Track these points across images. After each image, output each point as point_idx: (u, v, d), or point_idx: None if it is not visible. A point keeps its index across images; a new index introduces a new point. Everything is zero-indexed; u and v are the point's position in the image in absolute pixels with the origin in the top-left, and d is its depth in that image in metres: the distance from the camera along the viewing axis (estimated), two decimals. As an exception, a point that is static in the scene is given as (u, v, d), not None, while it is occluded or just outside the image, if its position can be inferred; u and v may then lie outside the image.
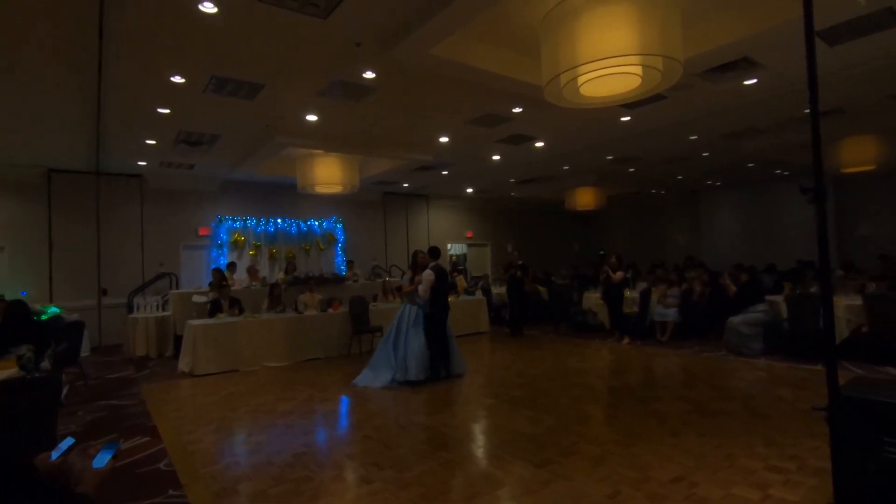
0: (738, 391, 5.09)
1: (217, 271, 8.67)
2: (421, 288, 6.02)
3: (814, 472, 3.00)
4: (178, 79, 5.38)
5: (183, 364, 6.84)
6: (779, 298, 6.88)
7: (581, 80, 4.35)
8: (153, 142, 7.79)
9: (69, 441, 1.59)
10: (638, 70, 4.23)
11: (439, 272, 6.21)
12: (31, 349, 4.13)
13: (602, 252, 9.15)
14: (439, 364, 6.02)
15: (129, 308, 8.72)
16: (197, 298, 7.92)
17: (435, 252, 6.49)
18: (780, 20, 4.48)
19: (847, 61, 5.61)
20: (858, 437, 2.46)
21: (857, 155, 8.76)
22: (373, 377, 6.00)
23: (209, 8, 3.97)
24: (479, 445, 3.83)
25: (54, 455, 1.52)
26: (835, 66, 5.76)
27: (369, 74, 5.52)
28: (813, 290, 6.90)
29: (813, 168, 1.75)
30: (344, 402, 5.28)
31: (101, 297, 9.54)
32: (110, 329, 9.29)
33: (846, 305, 6.13)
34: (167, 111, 6.40)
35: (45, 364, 4.22)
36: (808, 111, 6.69)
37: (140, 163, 9.13)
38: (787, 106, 7.21)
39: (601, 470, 3.18)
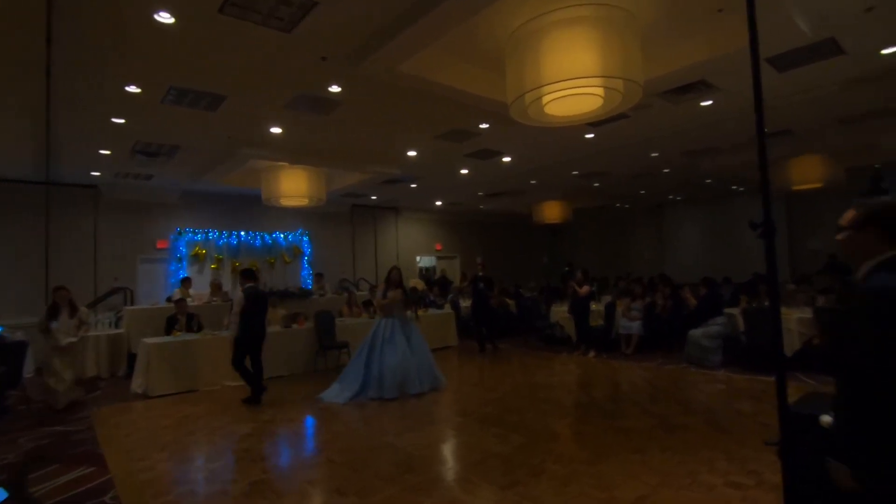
0: (700, 405, 5.20)
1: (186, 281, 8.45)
2: (233, 312, 5.73)
3: (771, 488, 3.07)
4: (133, 88, 5.18)
5: (136, 385, 6.50)
6: (736, 311, 7.12)
7: (545, 99, 4.43)
8: (107, 152, 7.47)
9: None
10: (600, 91, 4.34)
11: (252, 295, 5.84)
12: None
13: (567, 269, 9.27)
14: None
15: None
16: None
17: (248, 274, 6.06)
18: (734, 47, 4.68)
19: (796, 86, 5.91)
20: (807, 455, 2.53)
21: (805, 174, 9.22)
22: (339, 391, 5.88)
23: (166, 18, 3.85)
24: (447, 467, 3.76)
25: None
26: (785, 90, 6.06)
27: (335, 88, 5.46)
28: (767, 303, 7.17)
29: (762, 205, 1.81)
30: (308, 423, 5.12)
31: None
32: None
33: (798, 318, 6.39)
34: (122, 121, 6.15)
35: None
36: (760, 132, 6.93)
37: (94, 173, 8.74)
38: (742, 127, 7.52)
39: (568, 490, 3.17)
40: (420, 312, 8.73)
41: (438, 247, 15.95)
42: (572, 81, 4.09)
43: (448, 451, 4.18)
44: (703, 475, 3.33)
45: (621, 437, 4.17)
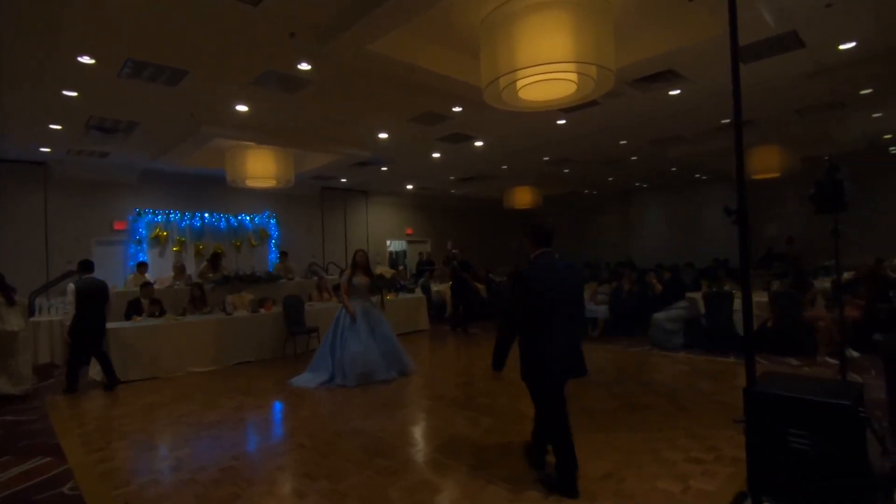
0: (662, 385, 5.40)
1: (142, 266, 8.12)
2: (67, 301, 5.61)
3: (729, 462, 3.23)
4: (86, 59, 4.88)
5: (94, 371, 6.24)
6: (697, 295, 7.39)
7: (520, 83, 4.41)
8: (59, 127, 7.04)
9: None
10: (574, 77, 4.35)
11: (83, 287, 5.77)
12: None
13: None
14: None
15: (31, 310, 7.85)
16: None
17: (84, 265, 5.95)
18: (702, 37, 4.77)
19: (758, 77, 6.09)
20: (768, 430, 2.67)
21: (763, 163, 9.59)
22: (310, 378, 5.82)
23: (123, -15, 3.62)
24: (417, 450, 3.79)
25: None
26: (748, 81, 6.22)
27: (304, 66, 5.29)
28: (727, 287, 7.47)
29: (737, 191, 1.86)
30: (277, 409, 5.05)
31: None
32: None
33: (755, 302, 6.66)
34: (74, 94, 5.80)
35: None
36: (725, 121, 7.18)
37: (43, 149, 8.23)
38: (707, 116, 7.74)
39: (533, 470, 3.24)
40: (389, 297, 8.69)
41: (409, 231, 15.87)
42: (546, 66, 4.09)
43: (418, 434, 4.21)
44: (665, 452, 3.47)
45: (587, 418, 4.29)
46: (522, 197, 14.13)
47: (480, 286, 11.26)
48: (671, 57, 5.28)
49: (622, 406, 4.62)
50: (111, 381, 5.84)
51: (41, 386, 6.12)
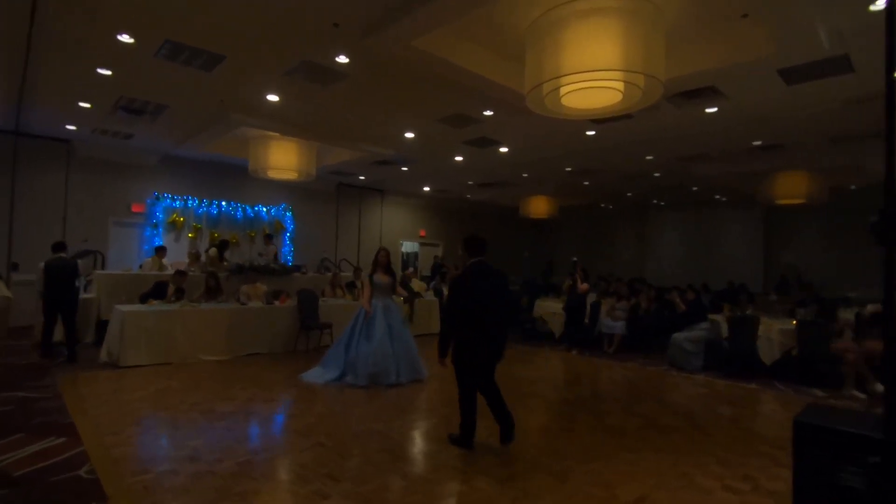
0: (683, 406, 5.26)
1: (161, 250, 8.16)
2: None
3: (767, 494, 3.10)
4: (126, 38, 4.84)
5: (105, 353, 6.20)
6: (720, 318, 7.25)
7: (563, 90, 4.33)
8: (88, 105, 7.02)
9: None
10: (620, 86, 4.26)
11: (48, 267, 6.24)
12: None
13: (575, 259, 9.23)
14: None
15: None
16: None
17: (56, 246, 6.48)
18: (751, 56, 4.67)
19: (800, 101, 5.98)
20: (818, 464, 2.54)
21: (790, 188, 9.44)
22: (321, 374, 5.73)
23: (174, -37, 3.57)
24: (439, 457, 3.68)
25: None
26: (787, 104, 6.13)
27: (342, 59, 5.23)
28: (749, 311, 7.33)
29: (885, 206, 1.66)
30: (290, 404, 4.96)
31: (11, 273, 8.51)
32: (21, 309, 8.27)
33: (779, 329, 6.54)
34: (108, 73, 5.77)
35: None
36: (757, 143, 7.02)
37: (69, 127, 8.23)
38: (740, 136, 7.63)
39: (566, 487, 3.13)
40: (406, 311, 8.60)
41: (423, 233, 15.80)
42: (592, 73, 4.01)
43: (437, 440, 4.09)
44: (697, 478, 3.34)
45: (611, 437, 4.17)
46: (539, 206, 14.03)
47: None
48: (715, 73, 5.17)
49: (645, 425, 4.49)
50: (70, 356, 6.20)
51: (53, 364, 6.06)
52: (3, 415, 4.16)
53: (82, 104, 6.98)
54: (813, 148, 8.09)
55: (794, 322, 6.55)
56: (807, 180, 9.26)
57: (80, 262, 6.99)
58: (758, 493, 3.12)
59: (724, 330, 6.92)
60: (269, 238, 10.16)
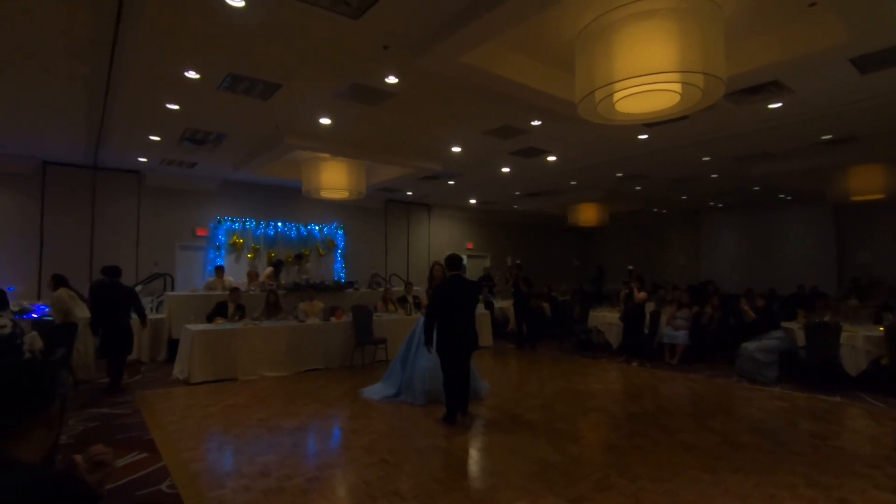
0: (762, 422, 4.92)
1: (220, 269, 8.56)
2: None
3: (870, 520, 2.83)
4: (192, 74, 5.16)
5: (178, 370, 6.54)
6: (794, 326, 6.77)
7: (617, 96, 4.22)
8: (157, 138, 7.52)
9: None
10: (677, 87, 4.11)
11: (95, 288, 6.06)
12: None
13: (631, 268, 8.95)
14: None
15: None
16: None
17: (106, 271, 6.15)
18: (820, 46, 4.39)
19: (874, 90, 5.56)
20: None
21: (867, 183, 8.77)
22: (381, 389, 5.78)
23: (237, 1, 3.77)
24: (506, 475, 3.60)
25: None
26: (860, 94, 5.72)
27: (392, 79, 5.34)
28: (827, 317, 6.81)
29: None
30: (352, 420, 5.03)
31: (92, 296, 9.16)
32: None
33: (864, 336, 6.03)
34: (176, 107, 6.16)
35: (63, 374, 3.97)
36: (826, 137, 6.62)
37: (140, 159, 8.84)
38: (805, 132, 7.18)
39: (641, 509, 2.98)
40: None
41: (470, 245, 15.79)
42: (648, 77, 3.88)
43: (502, 457, 4.02)
44: (785, 501, 3.10)
45: (685, 454, 3.95)
46: (587, 214, 13.71)
47: (545, 304, 10.96)
48: (779, 67, 4.88)
49: (722, 443, 4.22)
50: (112, 385, 5.94)
51: (131, 381, 6.43)
52: (90, 431, 4.45)
53: (152, 137, 7.48)
54: (889, 139, 7.49)
55: (882, 328, 6.01)
56: (885, 173, 8.57)
57: (139, 287, 7.43)
58: (859, 520, 2.85)
59: (800, 338, 6.45)
60: (299, 258, 10.35)
